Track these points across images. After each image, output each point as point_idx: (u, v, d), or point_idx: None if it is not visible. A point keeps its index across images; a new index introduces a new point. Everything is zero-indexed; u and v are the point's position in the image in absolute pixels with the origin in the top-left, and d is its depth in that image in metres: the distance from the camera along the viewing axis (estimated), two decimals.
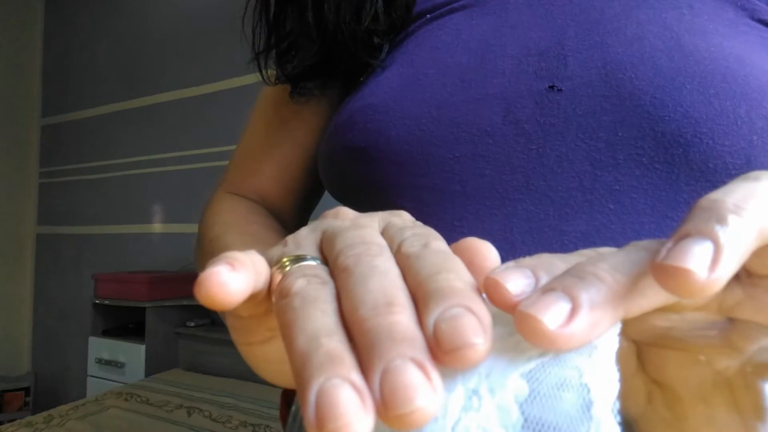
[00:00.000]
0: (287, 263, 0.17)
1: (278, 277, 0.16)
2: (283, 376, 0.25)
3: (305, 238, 0.19)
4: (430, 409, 0.11)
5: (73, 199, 2.74)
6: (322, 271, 0.16)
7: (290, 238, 0.19)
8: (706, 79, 0.30)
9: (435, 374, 0.12)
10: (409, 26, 0.40)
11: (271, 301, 0.17)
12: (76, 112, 2.77)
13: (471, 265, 0.16)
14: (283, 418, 0.49)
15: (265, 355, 0.21)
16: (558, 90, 0.32)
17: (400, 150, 0.34)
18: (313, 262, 0.17)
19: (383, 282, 0.14)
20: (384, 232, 0.18)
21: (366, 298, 0.14)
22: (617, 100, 0.31)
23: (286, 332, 0.14)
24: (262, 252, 0.18)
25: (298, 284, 0.15)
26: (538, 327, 0.12)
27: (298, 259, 0.17)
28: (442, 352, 0.12)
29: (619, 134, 0.31)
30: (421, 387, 0.11)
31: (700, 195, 0.29)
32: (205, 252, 0.41)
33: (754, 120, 0.29)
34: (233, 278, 0.15)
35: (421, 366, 0.12)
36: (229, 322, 0.20)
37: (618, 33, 0.32)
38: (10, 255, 2.80)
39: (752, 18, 0.34)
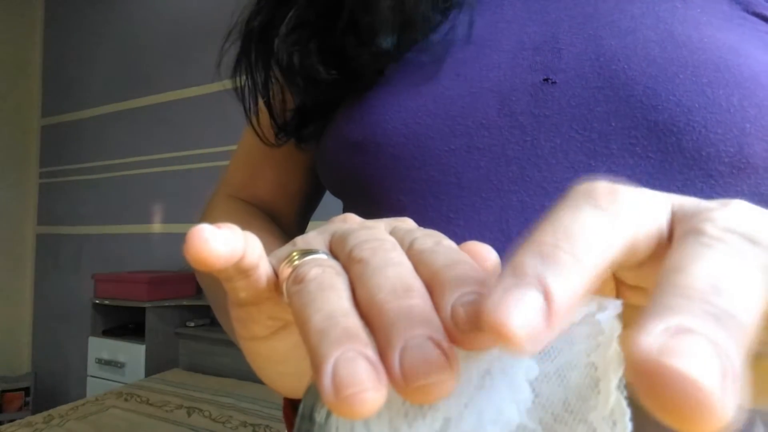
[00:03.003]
0: (296, 257, 0.17)
1: (287, 270, 0.17)
2: (284, 379, 0.25)
3: (314, 238, 0.19)
4: (449, 383, 0.12)
5: (73, 199, 2.74)
6: (336, 264, 0.16)
7: (299, 238, 0.19)
8: (699, 69, 0.30)
9: (452, 353, 0.12)
10: None
11: (273, 290, 0.18)
12: (76, 112, 2.77)
13: None
14: (287, 417, 0.49)
15: (269, 353, 0.22)
16: (552, 82, 0.32)
17: (396, 143, 0.34)
18: (324, 256, 0.17)
19: (399, 271, 0.15)
20: (392, 234, 0.18)
21: (384, 285, 0.14)
22: (610, 91, 0.31)
23: (301, 313, 0.14)
24: (270, 252, 0.19)
25: (314, 272, 0.16)
26: (510, 335, 0.11)
27: (309, 252, 0.17)
28: (460, 333, 0.13)
29: (613, 124, 0.31)
30: (440, 362, 0.12)
31: (693, 183, 0.30)
32: None
33: (746, 108, 0.29)
34: (216, 235, 0.15)
35: (438, 345, 0.12)
36: (232, 314, 0.21)
37: (611, 26, 0.33)
38: (10, 255, 2.80)
39: (747, 11, 0.34)
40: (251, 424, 1.41)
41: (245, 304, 0.19)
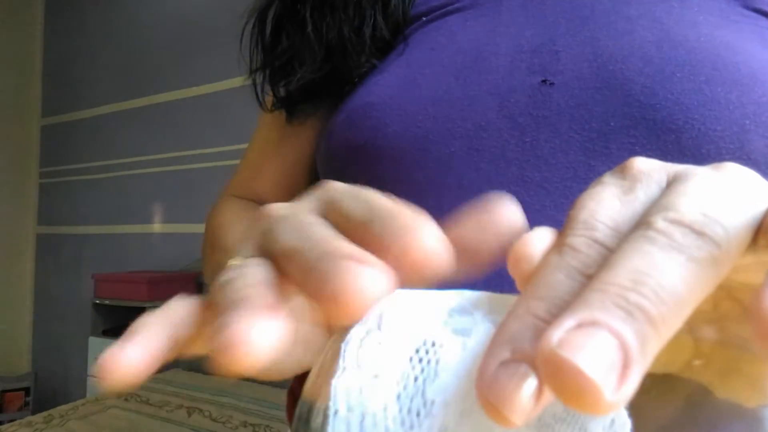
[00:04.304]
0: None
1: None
2: (285, 373, 0.25)
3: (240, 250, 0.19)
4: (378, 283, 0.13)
5: (73, 199, 2.74)
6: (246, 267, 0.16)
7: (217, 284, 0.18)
8: (696, 68, 0.30)
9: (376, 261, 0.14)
10: (406, 29, 0.41)
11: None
12: (76, 112, 2.77)
13: (491, 222, 0.17)
14: (290, 415, 0.49)
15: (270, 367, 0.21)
16: (550, 84, 0.33)
17: (397, 146, 0.34)
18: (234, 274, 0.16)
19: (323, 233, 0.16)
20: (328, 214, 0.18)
21: (308, 247, 0.15)
22: (608, 91, 0.31)
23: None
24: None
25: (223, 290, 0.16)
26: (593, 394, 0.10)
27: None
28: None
29: (611, 124, 0.31)
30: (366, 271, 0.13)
31: None
32: (211, 248, 0.43)
33: (745, 105, 0.29)
34: (127, 353, 0.15)
35: (365, 262, 0.14)
36: None
37: (608, 27, 0.33)
38: (10, 255, 2.80)
39: (746, 7, 0.34)
40: (251, 424, 1.41)
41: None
